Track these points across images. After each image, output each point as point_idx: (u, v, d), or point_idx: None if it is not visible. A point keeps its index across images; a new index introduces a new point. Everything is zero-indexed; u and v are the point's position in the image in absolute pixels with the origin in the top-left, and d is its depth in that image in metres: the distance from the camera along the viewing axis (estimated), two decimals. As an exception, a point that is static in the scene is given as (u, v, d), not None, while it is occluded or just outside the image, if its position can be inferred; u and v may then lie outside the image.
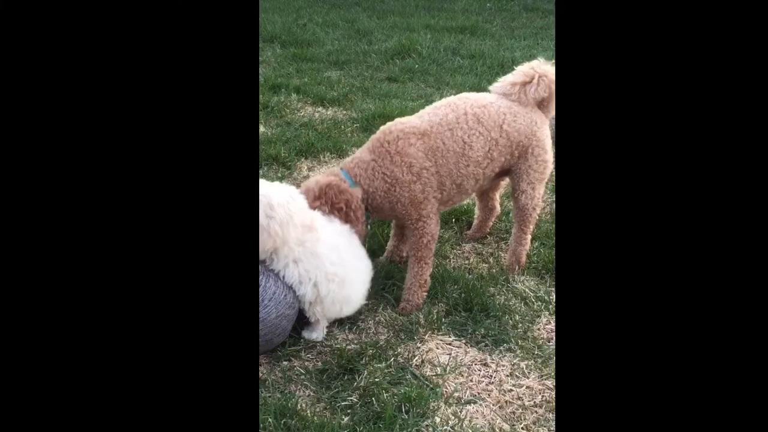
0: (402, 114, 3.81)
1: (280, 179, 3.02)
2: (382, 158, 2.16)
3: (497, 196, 2.66)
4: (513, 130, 2.22)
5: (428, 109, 2.29)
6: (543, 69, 2.26)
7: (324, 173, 2.26)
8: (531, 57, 2.38)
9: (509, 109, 2.23)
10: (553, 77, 2.27)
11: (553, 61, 2.31)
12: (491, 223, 2.72)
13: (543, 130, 2.32)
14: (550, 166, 2.39)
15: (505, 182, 2.57)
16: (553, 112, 2.39)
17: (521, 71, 2.28)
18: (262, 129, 3.78)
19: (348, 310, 2.10)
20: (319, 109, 4.19)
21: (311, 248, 1.98)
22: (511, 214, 2.63)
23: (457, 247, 2.65)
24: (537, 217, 2.45)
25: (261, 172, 3.17)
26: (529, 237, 2.45)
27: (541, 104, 2.34)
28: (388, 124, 2.24)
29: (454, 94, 4.41)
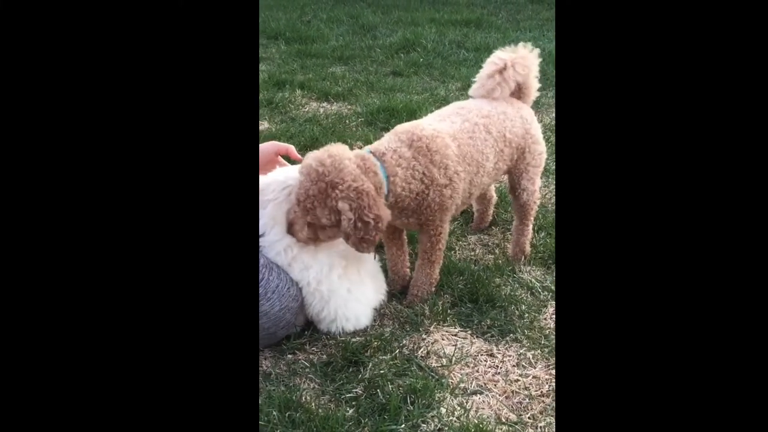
0: (407, 108, 3.83)
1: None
2: (422, 156, 1.94)
3: (492, 186, 2.65)
4: (513, 135, 2.20)
5: (433, 117, 2.18)
6: (510, 56, 2.24)
7: (341, 148, 1.86)
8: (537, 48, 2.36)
9: (505, 114, 2.20)
10: (523, 59, 2.25)
11: (513, 46, 2.30)
12: (491, 212, 2.71)
13: (534, 123, 2.31)
14: (545, 155, 2.37)
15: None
16: (533, 97, 2.38)
17: (491, 62, 2.26)
18: (266, 125, 3.77)
19: (333, 327, 2.02)
20: (324, 104, 4.18)
21: (301, 254, 1.96)
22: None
23: (463, 239, 2.63)
24: (537, 207, 2.45)
25: (265, 167, 3.17)
26: (531, 226, 2.44)
27: (520, 91, 2.32)
28: (405, 124, 2.09)
29: (460, 87, 4.40)
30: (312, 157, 1.83)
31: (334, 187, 1.77)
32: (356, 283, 2.02)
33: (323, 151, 1.84)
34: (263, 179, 2.00)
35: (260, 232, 1.97)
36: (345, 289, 1.98)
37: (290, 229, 1.91)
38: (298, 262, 1.95)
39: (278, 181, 1.97)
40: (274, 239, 1.95)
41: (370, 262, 2.13)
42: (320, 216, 1.80)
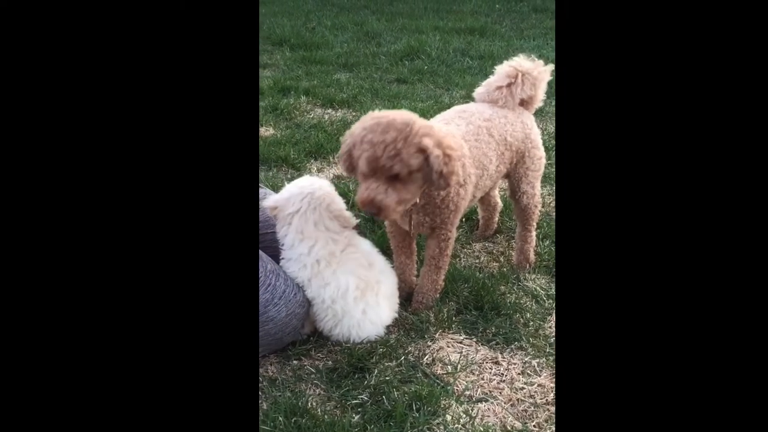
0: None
1: (289, 181, 3.02)
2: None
3: (497, 193, 2.66)
4: (514, 140, 2.21)
5: (437, 120, 2.17)
6: (524, 66, 2.24)
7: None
8: (540, 57, 2.36)
9: (506, 118, 2.21)
10: (536, 73, 2.26)
11: (533, 56, 2.30)
12: (497, 219, 2.72)
13: (534, 129, 2.32)
14: (544, 160, 2.39)
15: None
16: (536, 106, 2.39)
17: (503, 72, 2.26)
18: (271, 131, 3.79)
19: (344, 340, 2.02)
20: (329, 110, 4.20)
21: (324, 270, 1.96)
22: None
23: (468, 246, 2.64)
24: (540, 213, 2.45)
25: (270, 173, 3.18)
26: (534, 233, 2.45)
27: (524, 101, 2.32)
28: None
29: (464, 95, 4.41)
30: (368, 117, 1.80)
31: (410, 126, 1.74)
32: (372, 306, 2.01)
33: (373, 113, 1.82)
34: (282, 193, 2.01)
35: (287, 246, 1.99)
36: (360, 311, 1.98)
37: (371, 205, 1.76)
38: (319, 278, 1.95)
39: (297, 193, 1.98)
40: (301, 252, 1.96)
41: (389, 283, 2.09)
42: (408, 158, 1.72)
